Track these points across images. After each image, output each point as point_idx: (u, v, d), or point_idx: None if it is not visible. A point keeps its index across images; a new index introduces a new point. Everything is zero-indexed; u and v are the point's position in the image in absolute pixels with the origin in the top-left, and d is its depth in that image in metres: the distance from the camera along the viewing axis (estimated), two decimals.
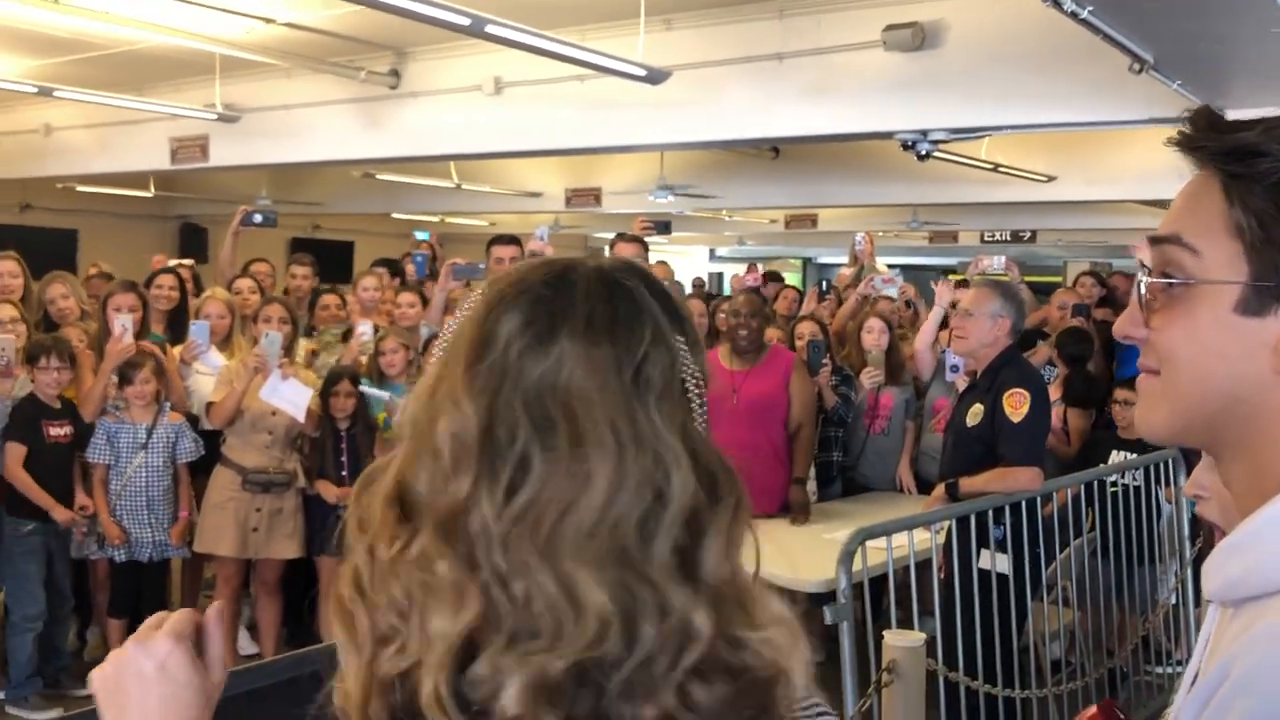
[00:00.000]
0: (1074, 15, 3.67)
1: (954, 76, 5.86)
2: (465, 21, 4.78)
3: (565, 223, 14.85)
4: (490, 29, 4.93)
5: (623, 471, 0.72)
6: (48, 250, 12.61)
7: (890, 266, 20.23)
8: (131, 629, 3.52)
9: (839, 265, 10.12)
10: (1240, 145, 0.84)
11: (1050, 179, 9.13)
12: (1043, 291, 21.02)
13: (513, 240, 5.42)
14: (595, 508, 0.71)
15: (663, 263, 9.82)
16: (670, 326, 0.80)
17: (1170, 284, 0.86)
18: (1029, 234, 13.75)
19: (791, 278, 23.31)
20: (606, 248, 12.45)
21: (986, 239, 14.60)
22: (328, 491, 4.59)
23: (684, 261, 21.22)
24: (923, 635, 2.59)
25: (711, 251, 21.13)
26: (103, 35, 6.99)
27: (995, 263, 6.92)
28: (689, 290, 10.60)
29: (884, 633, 2.62)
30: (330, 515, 4.58)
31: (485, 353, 0.77)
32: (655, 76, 5.72)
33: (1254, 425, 0.84)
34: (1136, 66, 4.36)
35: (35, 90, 7.38)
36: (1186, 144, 0.90)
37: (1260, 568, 0.76)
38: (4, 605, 4.59)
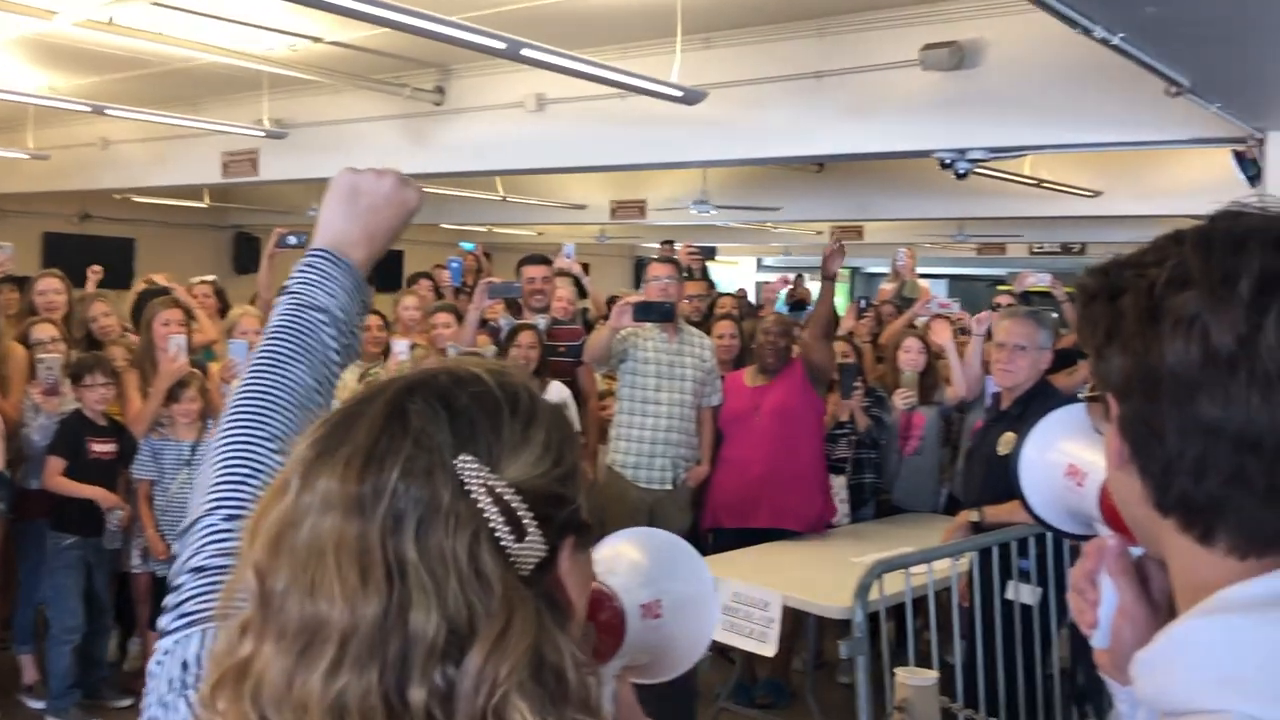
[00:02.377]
0: (1105, 42, 3.65)
1: (991, 96, 5.83)
2: (501, 46, 4.85)
3: (611, 234, 14.91)
4: (526, 52, 4.98)
5: (355, 620, 0.71)
6: (106, 259, 12.89)
7: (935, 277, 20.10)
8: None
9: (885, 275, 10.09)
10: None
11: (1096, 194, 9.03)
12: None
13: (543, 260, 5.48)
14: (321, 671, 0.71)
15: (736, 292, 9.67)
16: (456, 445, 0.76)
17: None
18: (1079, 246, 13.59)
19: (839, 287, 23.27)
20: (650, 259, 12.52)
21: (1035, 251, 14.45)
22: None
23: (732, 271, 21.21)
24: (934, 674, 2.58)
25: (759, 261, 21.10)
26: (156, 53, 7.16)
27: (1041, 279, 6.86)
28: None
29: (896, 670, 2.62)
30: None
31: (282, 494, 0.77)
32: (692, 97, 5.75)
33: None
34: (1174, 90, 4.31)
35: (90, 109, 7.56)
36: None
37: (1171, 689, 0.75)
38: (45, 618, 4.71)
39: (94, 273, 7.05)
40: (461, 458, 0.76)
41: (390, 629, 0.71)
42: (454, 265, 6.80)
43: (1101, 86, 5.30)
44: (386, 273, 11.86)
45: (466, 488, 0.75)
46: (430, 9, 5.64)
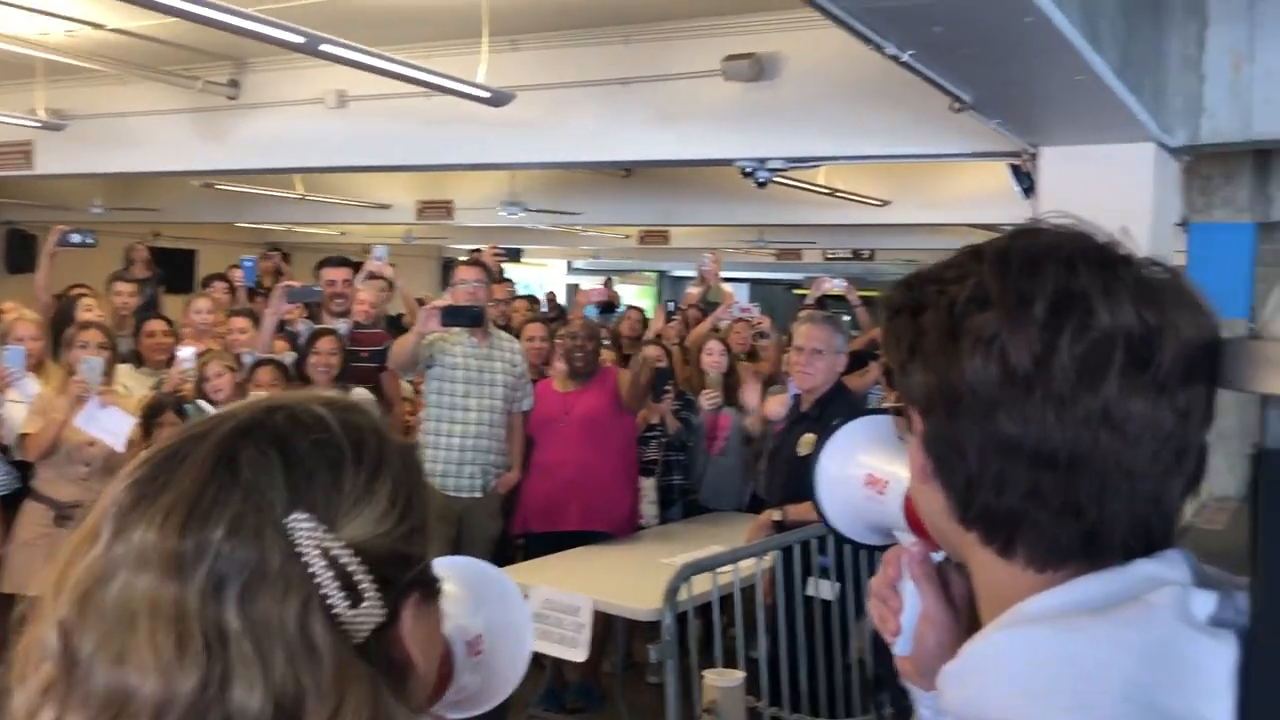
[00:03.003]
0: (895, 59, 3.81)
1: (789, 108, 6.03)
2: (300, 40, 4.69)
3: (417, 234, 14.65)
4: (325, 48, 4.84)
5: (168, 694, 0.65)
6: None
7: (737, 280, 20.65)
8: None
9: (692, 279, 10.29)
10: None
11: (885, 203, 9.48)
12: None
13: (343, 262, 5.34)
14: None
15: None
16: (290, 501, 0.71)
17: None
18: (869, 252, 14.25)
19: (646, 291, 23.59)
20: (458, 261, 12.37)
21: (829, 257, 15.05)
22: None
23: (541, 274, 21.20)
24: (740, 674, 2.65)
25: (568, 264, 21.17)
26: None
27: (836, 284, 7.13)
28: (541, 306, 10.54)
29: (704, 672, 2.68)
30: None
31: (91, 542, 0.71)
32: (499, 99, 5.71)
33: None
34: (957, 106, 4.55)
35: None
36: None
37: (976, 701, 0.76)
38: None
39: None
40: (294, 515, 0.70)
41: (208, 705, 0.65)
42: (247, 265, 6.54)
43: (892, 101, 5.56)
44: (179, 274, 11.31)
45: (298, 549, 0.69)
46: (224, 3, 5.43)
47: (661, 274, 23.37)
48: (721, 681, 2.58)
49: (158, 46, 6.96)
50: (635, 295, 22.90)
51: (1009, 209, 7.44)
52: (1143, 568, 0.79)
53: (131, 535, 0.69)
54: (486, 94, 5.59)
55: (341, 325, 4.95)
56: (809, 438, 3.78)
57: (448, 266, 18.23)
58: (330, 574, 0.69)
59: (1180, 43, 5.21)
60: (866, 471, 1.08)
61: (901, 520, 1.00)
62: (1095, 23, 3.77)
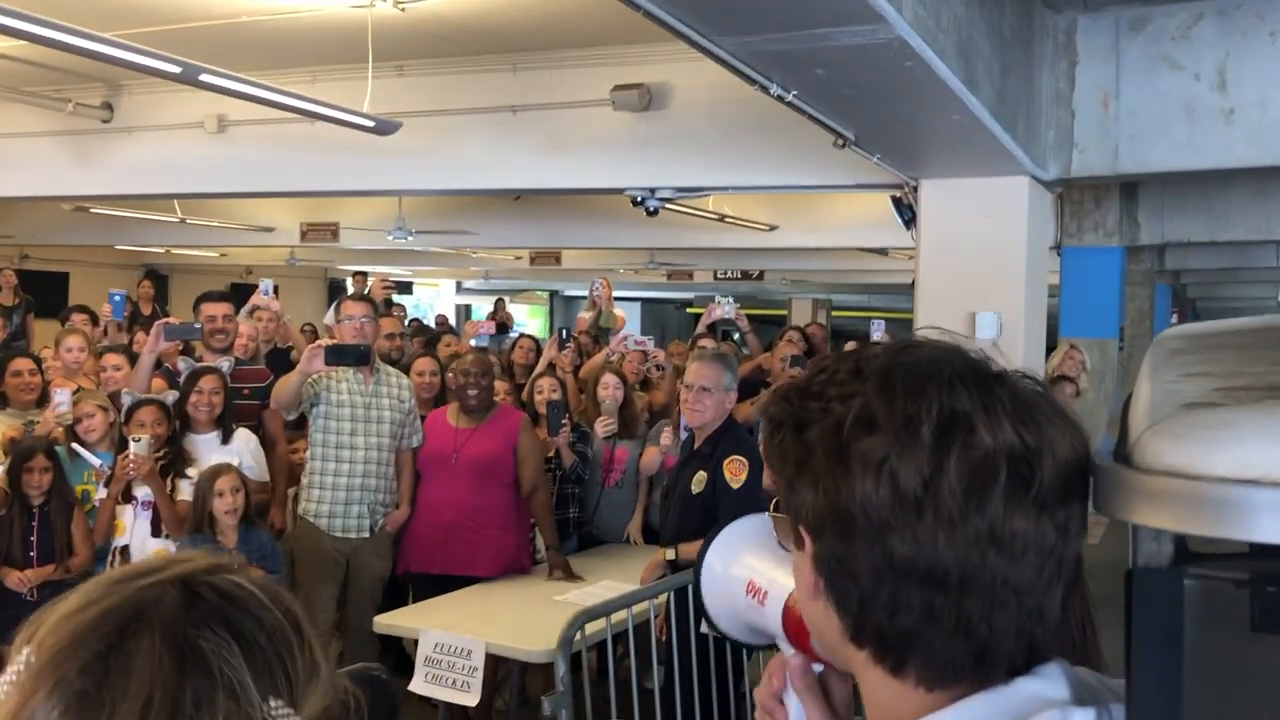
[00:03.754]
0: (780, 99, 3.88)
1: (678, 138, 6.08)
2: (176, 70, 4.55)
3: (302, 256, 14.36)
4: (205, 78, 4.70)
5: None
6: None
7: (629, 300, 20.71)
8: None
9: (584, 298, 10.30)
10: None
11: (773, 228, 9.64)
12: (773, 323, 22.05)
13: (223, 297, 5.18)
14: None
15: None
16: (264, 690, 0.70)
17: None
18: (757, 273, 14.49)
19: (537, 310, 23.52)
20: (348, 281, 12.13)
21: (719, 277, 15.25)
22: (8, 576, 4.20)
23: (430, 293, 20.97)
24: None
25: (458, 284, 20.97)
26: None
27: (727, 309, 7.20)
28: (425, 325, 10.40)
29: None
30: (18, 599, 4.21)
31: None
32: (384, 127, 5.63)
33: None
34: (840, 142, 4.65)
35: None
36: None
37: None
38: None
39: None
40: (272, 705, 0.69)
41: None
42: (116, 300, 6.31)
43: (778, 133, 5.65)
44: (51, 297, 10.83)
45: None
46: (99, 19, 5.24)
47: (554, 293, 23.33)
48: None
49: (24, 67, 6.70)
50: (527, 314, 22.82)
51: (891, 233, 7.63)
52: (1026, 686, 0.81)
53: None
54: (371, 123, 5.50)
55: (224, 363, 4.79)
56: (701, 475, 3.80)
57: (334, 287, 17.91)
58: None
59: (1052, 79, 5.41)
60: (749, 577, 1.07)
61: (780, 630, 1.00)
62: (972, 65, 3.89)
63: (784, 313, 19.79)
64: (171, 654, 0.68)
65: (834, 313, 20.27)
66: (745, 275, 14.75)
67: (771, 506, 0.94)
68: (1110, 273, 9.12)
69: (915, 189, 5.65)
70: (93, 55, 4.30)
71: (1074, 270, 9.03)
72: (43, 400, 4.86)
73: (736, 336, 8.99)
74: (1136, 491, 0.77)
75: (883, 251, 10.89)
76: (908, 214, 5.83)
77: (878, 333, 6.20)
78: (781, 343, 6.37)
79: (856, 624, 0.82)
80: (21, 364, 4.99)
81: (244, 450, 4.55)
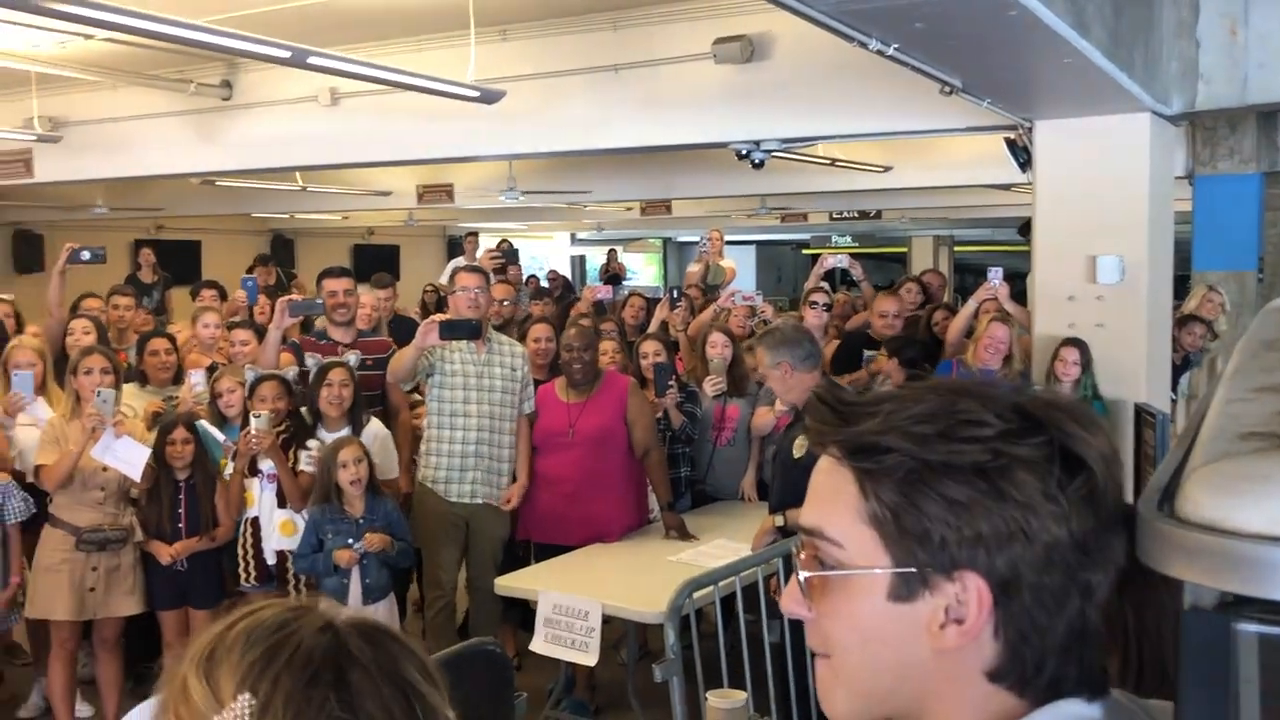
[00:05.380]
0: (880, 53, 3.79)
1: (782, 88, 5.99)
2: (286, 55, 4.68)
3: (419, 217, 14.65)
4: (314, 60, 4.82)
5: None
6: None
7: (742, 243, 20.52)
8: None
9: (697, 244, 10.27)
10: (865, 444, 0.87)
11: (887, 168, 9.43)
12: (893, 261, 21.48)
13: (344, 273, 5.35)
14: None
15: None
16: (444, 702, 0.87)
17: (823, 575, 0.89)
18: (875, 212, 14.18)
19: (652, 258, 23.54)
20: (463, 240, 12.35)
21: (835, 217, 14.99)
22: (161, 553, 4.48)
23: (546, 246, 21.17)
24: (743, 695, 2.69)
25: (572, 236, 21.13)
26: None
27: (839, 261, 7.12)
28: (542, 285, 10.51)
29: (708, 694, 2.71)
30: (172, 569, 4.48)
31: None
32: (488, 96, 5.69)
33: (921, 701, 0.88)
34: (947, 90, 4.53)
35: None
36: (816, 439, 0.92)
37: None
38: None
39: None
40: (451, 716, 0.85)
41: None
42: (248, 284, 6.57)
43: (884, 79, 5.49)
44: (184, 266, 11.28)
45: None
46: (212, 3, 5.41)
47: (667, 240, 23.30)
48: (723, 703, 2.62)
49: (148, 52, 6.95)
50: (643, 263, 22.87)
51: (1009, 170, 7.39)
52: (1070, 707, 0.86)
53: None
54: (476, 93, 5.57)
55: (351, 357, 4.94)
56: (802, 440, 3.80)
57: (452, 244, 18.22)
58: None
59: (1174, 10, 5.16)
60: None
61: None
62: (1081, 7, 3.73)
63: (904, 250, 19.38)
64: (389, 685, 0.82)
65: (956, 248, 19.75)
66: (863, 215, 14.47)
67: (799, 552, 0.94)
68: (1248, 202, 8.65)
69: (1030, 130, 5.47)
70: (209, 46, 4.45)
71: (1208, 200, 8.59)
72: (179, 377, 5.11)
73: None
74: (1175, 545, 0.77)
75: (1005, 187, 10.54)
76: (1023, 156, 5.65)
77: (995, 279, 6.04)
78: (881, 297, 6.28)
79: (1014, 658, 0.86)
80: (158, 343, 5.26)
81: (372, 446, 4.62)
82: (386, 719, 0.81)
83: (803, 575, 0.90)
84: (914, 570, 0.86)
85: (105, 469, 4.42)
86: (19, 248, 13.83)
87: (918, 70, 4.20)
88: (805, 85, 5.95)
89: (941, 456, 0.84)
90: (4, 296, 6.17)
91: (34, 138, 7.58)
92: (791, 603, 0.92)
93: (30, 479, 4.61)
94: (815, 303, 6.39)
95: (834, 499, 0.90)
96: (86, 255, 5.93)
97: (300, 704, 0.80)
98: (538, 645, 4.12)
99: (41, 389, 4.89)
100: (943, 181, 9.93)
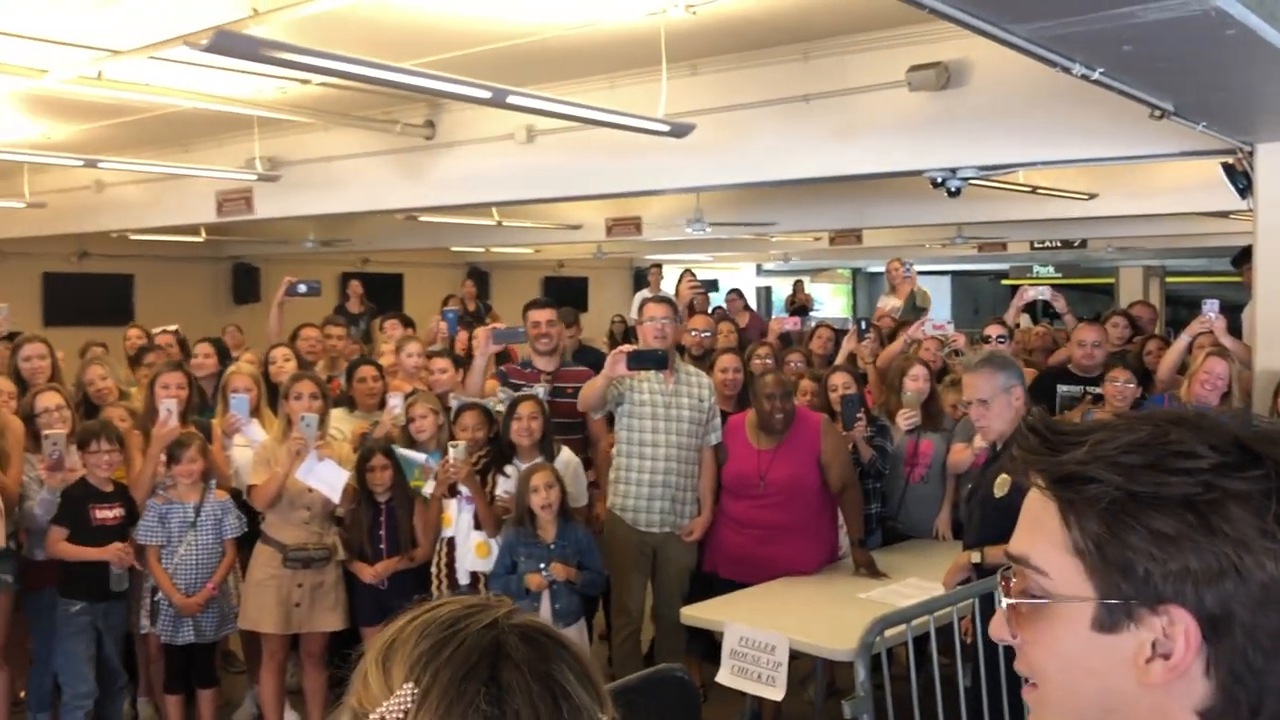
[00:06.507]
0: (1085, 78, 3.65)
1: (979, 115, 5.83)
2: (487, 95, 4.86)
3: (608, 249, 14.94)
4: (512, 100, 4.99)
5: None
6: (105, 296, 13.02)
7: (936, 273, 19.98)
8: (188, 702, 3.70)
9: (884, 289, 10.06)
10: (1067, 473, 0.87)
11: (1091, 196, 9.02)
12: (1099, 293, 20.46)
13: (547, 304, 5.50)
14: None
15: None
16: (596, 705, 0.88)
17: (1027, 603, 0.90)
18: (1079, 241, 13.57)
19: (839, 290, 23.24)
20: (648, 272, 12.52)
21: (1036, 246, 14.43)
22: (363, 573, 4.68)
23: (731, 276, 21.20)
24: None
25: (759, 267, 21.08)
26: (145, 102, 7.19)
27: (1041, 293, 6.85)
28: (727, 309, 10.46)
29: None
30: (373, 588, 4.68)
31: None
32: (679, 130, 5.75)
33: None
34: (1157, 114, 4.32)
35: (81, 163, 7.60)
36: (1021, 466, 0.92)
37: None
38: (57, 685, 4.74)
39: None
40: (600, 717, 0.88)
41: None
42: (449, 316, 6.84)
43: (1088, 103, 5.27)
44: (387, 296, 11.88)
45: None
46: (416, 48, 5.69)
47: (856, 271, 22.97)
48: None
49: (358, 95, 7.35)
50: (830, 294, 22.62)
51: (1227, 196, 6.98)
52: None
53: None
54: (666, 128, 5.64)
55: (540, 389, 5.08)
56: (1004, 478, 3.65)
57: (639, 276, 18.48)
58: None
59: None
60: None
61: None
62: None
63: (1110, 281, 18.47)
64: (538, 683, 0.85)
65: (1168, 279, 18.68)
66: (1066, 244, 13.86)
67: (1004, 582, 0.94)
68: None
69: (1250, 155, 5.15)
70: (416, 89, 4.67)
71: None
72: (385, 403, 5.35)
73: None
74: None
75: (1222, 214, 9.92)
76: (1242, 181, 5.32)
77: (1211, 311, 5.69)
78: (1081, 327, 5.97)
79: (1228, 699, 0.82)
80: (366, 370, 5.54)
81: (564, 474, 4.71)
82: (532, 716, 0.84)
83: (1007, 602, 0.92)
84: (1118, 602, 0.84)
85: (310, 490, 4.66)
86: (238, 280, 14.82)
87: (1125, 94, 4.02)
88: (1004, 111, 5.78)
89: (1149, 488, 0.83)
90: (169, 328, 6.61)
91: (255, 177, 8.11)
92: (999, 628, 0.94)
93: (245, 497, 4.91)
94: (988, 337, 6.13)
95: (1039, 528, 0.90)
96: (303, 288, 6.30)
97: (454, 696, 0.85)
98: (723, 677, 4.09)
99: (256, 412, 5.20)
100: (1152, 209, 9.44)
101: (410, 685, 0.86)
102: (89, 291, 13.07)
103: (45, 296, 12.92)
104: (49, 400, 4.80)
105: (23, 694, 5.02)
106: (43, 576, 4.66)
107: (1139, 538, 0.83)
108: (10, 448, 4.60)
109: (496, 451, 4.81)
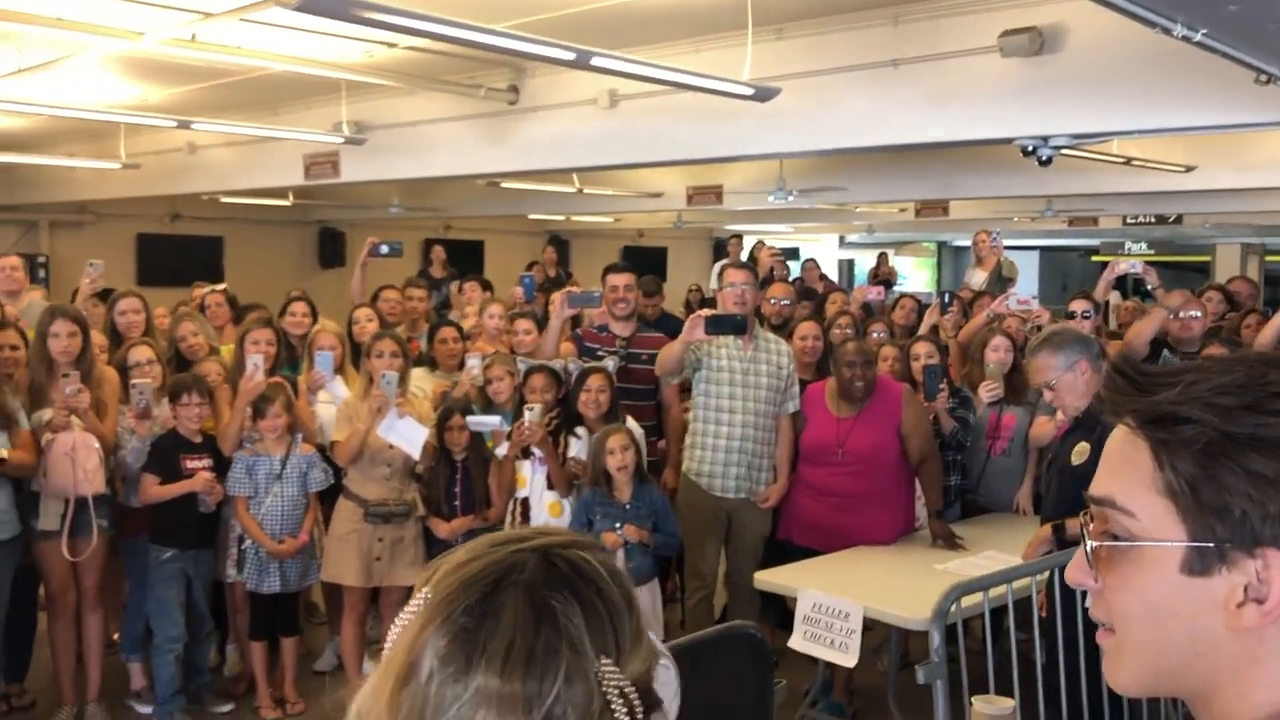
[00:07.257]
0: (1186, 39, 3.52)
1: (1074, 82, 5.66)
2: (570, 56, 4.85)
3: (688, 219, 14.87)
4: (596, 61, 4.98)
5: None
6: (196, 257, 13.35)
7: (1024, 249, 19.56)
8: (271, 650, 3.83)
9: (970, 263, 9.87)
10: (1162, 413, 0.85)
11: (1189, 169, 8.73)
12: (1194, 271, 19.90)
13: (626, 269, 5.51)
14: None
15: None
16: (597, 648, 0.84)
17: (1112, 546, 0.87)
18: (1174, 217, 13.16)
19: (924, 262, 22.87)
20: (728, 243, 12.46)
21: (1129, 222, 14.03)
22: (439, 528, 4.76)
23: (813, 249, 20.99)
24: (1012, 703, 2.55)
25: (841, 239, 20.83)
26: (236, 65, 7.32)
27: (1133, 267, 6.67)
28: (806, 283, 10.38)
29: (973, 699, 2.59)
30: (448, 545, 4.75)
31: (410, 678, 0.84)
32: (763, 94, 5.69)
33: (1213, 680, 0.84)
34: (1263, 79, 4.16)
35: (175, 124, 7.77)
36: (1112, 408, 0.90)
37: None
38: (149, 628, 4.90)
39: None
40: (603, 662, 0.84)
41: None
42: (526, 282, 6.89)
43: (1189, 70, 5.11)
44: (468, 263, 12.02)
45: (606, 692, 0.83)
46: (501, 11, 5.70)
47: (941, 244, 22.59)
48: (991, 709, 2.50)
49: (443, 59, 7.39)
50: (913, 267, 22.27)
51: None
52: None
53: (469, 679, 0.82)
54: (750, 91, 5.58)
55: (610, 364, 5.09)
56: (1082, 447, 3.58)
57: (719, 246, 18.39)
58: (625, 711, 0.83)
59: None
60: None
61: None
62: None
63: (1206, 259, 17.91)
64: (530, 608, 0.84)
65: (1268, 257, 18.05)
66: (1160, 219, 13.45)
67: (1085, 524, 0.91)
68: None
69: None
70: (498, 50, 4.69)
71: None
72: (464, 364, 5.42)
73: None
74: None
75: None
76: None
77: None
78: (1173, 293, 5.79)
79: None
80: (447, 332, 5.62)
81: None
82: (509, 634, 0.83)
83: (1090, 545, 0.89)
84: (1211, 545, 0.82)
85: (391, 447, 4.73)
86: (324, 245, 15.08)
87: (1229, 58, 3.87)
88: (1100, 77, 5.60)
89: (1247, 429, 0.81)
90: (217, 287, 6.75)
91: (341, 140, 8.22)
92: (1078, 573, 0.91)
93: (329, 453, 5.01)
94: (1073, 313, 5.98)
95: (1127, 469, 0.87)
96: (385, 250, 6.39)
97: (442, 605, 0.86)
98: (796, 642, 4.08)
99: (340, 371, 5.30)
100: (1255, 183, 9.09)
101: (427, 590, 0.88)
102: (181, 252, 13.41)
103: (139, 257, 13.28)
104: (141, 354, 4.94)
105: (116, 636, 5.21)
106: (137, 523, 4.82)
107: (1236, 479, 0.80)
108: (107, 398, 4.75)
109: (566, 413, 4.84)
